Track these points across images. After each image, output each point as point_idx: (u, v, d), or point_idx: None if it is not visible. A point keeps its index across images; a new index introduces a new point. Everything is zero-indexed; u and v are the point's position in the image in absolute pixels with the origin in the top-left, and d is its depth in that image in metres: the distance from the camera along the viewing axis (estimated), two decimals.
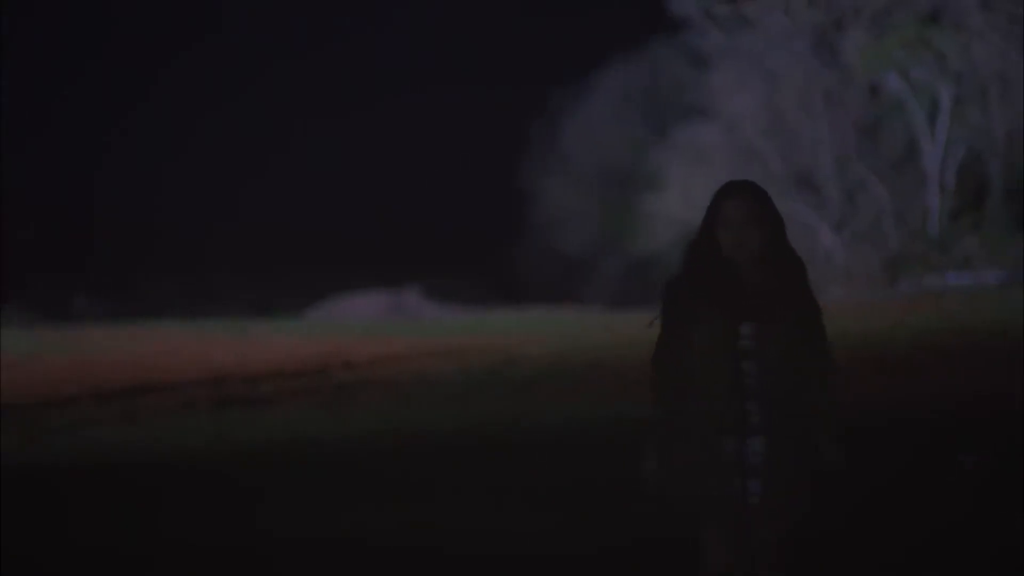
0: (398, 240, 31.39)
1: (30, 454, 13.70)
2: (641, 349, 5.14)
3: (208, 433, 14.92)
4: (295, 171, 33.15)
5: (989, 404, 13.03)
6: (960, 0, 33.36)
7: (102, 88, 33.24)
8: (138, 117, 33.37)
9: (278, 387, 18.83)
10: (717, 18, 34.67)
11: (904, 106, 34.19)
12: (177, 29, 33.88)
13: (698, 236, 4.89)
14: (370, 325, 26.60)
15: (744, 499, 4.79)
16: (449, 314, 29.29)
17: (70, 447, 14.30)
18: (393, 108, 33.75)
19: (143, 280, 27.89)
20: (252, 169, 32.55)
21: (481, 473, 10.98)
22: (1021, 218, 31.62)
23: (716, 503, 4.81)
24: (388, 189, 33.23)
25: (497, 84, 32.92)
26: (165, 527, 9.27)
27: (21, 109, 31.96)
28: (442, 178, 32.83)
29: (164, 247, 30.65)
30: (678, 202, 28.87)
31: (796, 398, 4.84)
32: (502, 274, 30.83)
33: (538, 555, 7.64)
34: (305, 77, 33.58)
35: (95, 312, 25.79)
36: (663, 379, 4.88)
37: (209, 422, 15.98)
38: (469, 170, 32.53)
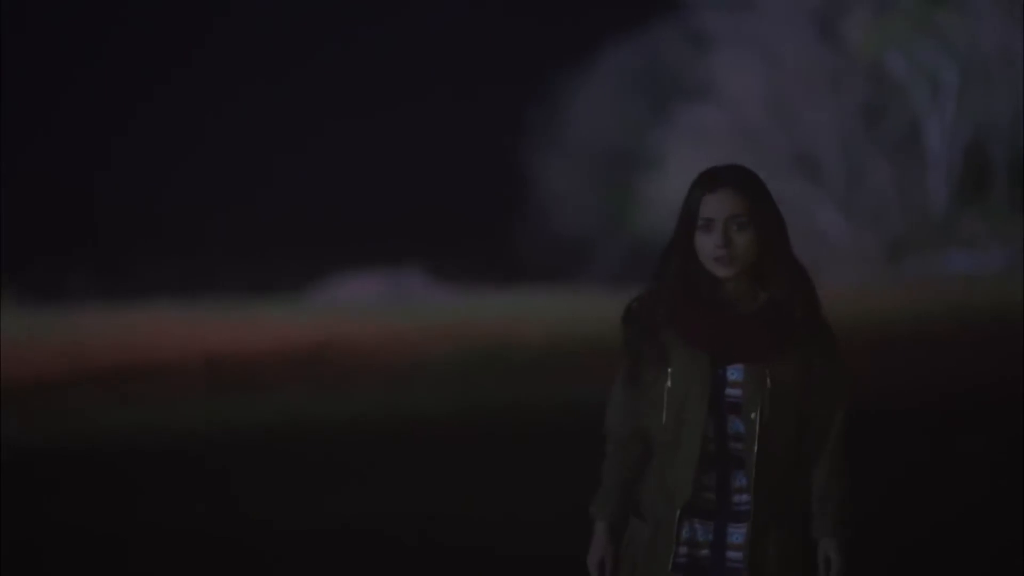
0: (396, 221, 31.28)
1: (25, 438, 13.63)
2: None
3: (202, 417, 14.87)
4: (294, 155, 33.02)
5: (989, 390, 12.98)
6: None
7: (107, 75, 33.14)
8: (140, 104, 33.25)
9: (274, 370, 18.76)
10: None
11: (908, 87, 34.07)
12: (180, 27, 33.75)
13: (671, 242, 3.65)
14: (367, 307, 26.54)
15: None
16: (447, 296, 29.19)
17: (65, 431, 14.25)
18: (387, 86, 33.61)
19: (138, 260, 27.77)
20: (251, 156, 32.42)
21: (476, 461, 10.93)
22: None
23: None
24: (385, 170, 33.11)
25: (495, 64, 32.77)
26: (152, 513, 9.21)
27: (29, 91, 31.89)
28: (439, 159, 32.70)
29: (159, 227, 30.56)
30: (679, 183, 28.44)
31: (794, 475, 3.59)
32: (500, 255, 30.72)
33: (535, 549, 7.55)
34: (301, 65, 33.45)
35: (89, 292, 25.66)
36: (622, 438, 3.66)
37: (204, 406, 15.93)
38: (465, 151, 32.40)
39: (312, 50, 33.28)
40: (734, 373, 3.54)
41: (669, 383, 3.56)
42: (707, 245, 3.56)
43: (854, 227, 33.28)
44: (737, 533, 3.55)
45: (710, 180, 3.62)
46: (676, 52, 34.88)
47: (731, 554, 3.56)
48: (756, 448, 3.52)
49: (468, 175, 32.29)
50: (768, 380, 3.52)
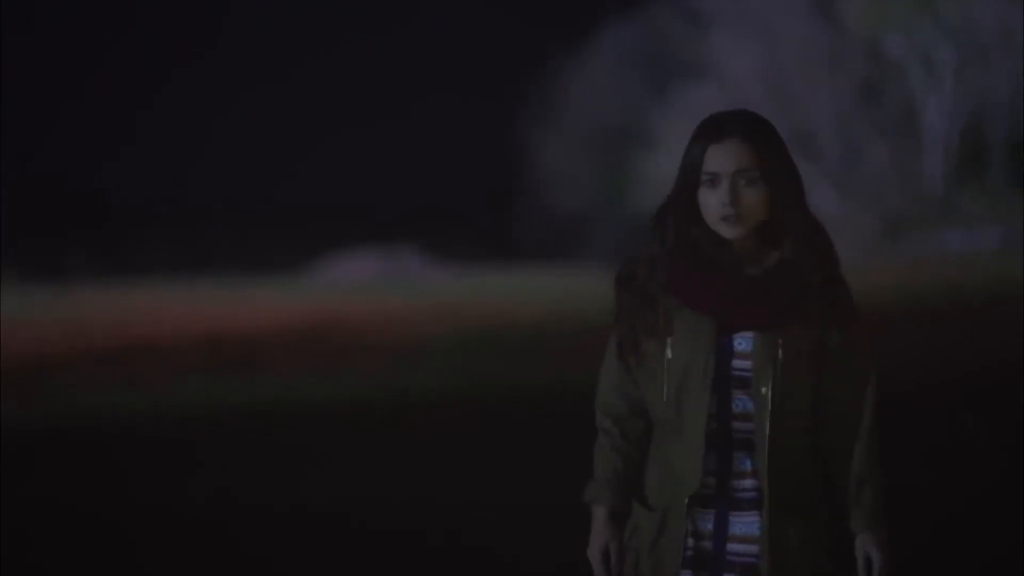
0: (393, 201, 31.22)
1: (23, 417, 13.62)
2: None
3: (201, 397, 14.86)
4: (292, 137, 32.96)
5: (987, 369, 12.95)
6: None
7: (110, 59, 33.08)
8: (143, 88, 33.21)
9: (274, 350, 18.76)
10: None
11: (905, 66, 34.02)
12: (183, 21, 33.67)
13: (670, 200, 3.21)
14: (365, 287, 26.53)
15: None
16: (445, 275, 29.16)
17: (63, 409, 14.23)
18: (384, 67, 33.52)
19: (137, 240, 27.74)
20: (249, 137, 32.35)
21: (474, 441, 10.91)
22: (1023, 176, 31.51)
23: None
24: (382, 149, 33.03)
25: (493, 44, 32.67)
26: (150, 493, 9.21)
27: (31, 73, 31.83)
28: (435, 138, 32.63)
29: (158, 207, 30.53)
30: (676, 162, 28.35)
31: (809, 458, 3.17)
32: (498, 235, 30.67)
33: (532, 533, 7.53)
34: (298, 51, 33.39)
35: (89, 272, 25.63)
36: (620, 416, 3.25)
37: (205, 385, 15.92)
38: (463, 130, 32.32)
39: (308, 35, 33.22)
40: (742, 343, 3.12)
41: (670, 354, 3.14)
42: (712, 203, 3.13)
43: (851, 206, 33.26)
44: (740, 523, 3.14)
45: (715, 129, 3.18)
46: (674, 31, 34.82)
47: (733, 546, 3.14)
48: (768, 427, 3.09)
49: (465, 154, 32.24)
50: (781, 350, 3.10)
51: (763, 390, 3.09)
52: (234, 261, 27.20)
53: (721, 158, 3.14)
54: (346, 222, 29.89)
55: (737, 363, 3.13)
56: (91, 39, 32.59)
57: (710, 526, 3.15)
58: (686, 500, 3.12)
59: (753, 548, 3.12)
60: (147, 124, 32.57)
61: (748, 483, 3.13)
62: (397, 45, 33.95)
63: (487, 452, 10.25)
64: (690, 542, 3.15)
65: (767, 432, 3.09)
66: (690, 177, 3.18)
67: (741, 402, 3.13)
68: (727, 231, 3.13)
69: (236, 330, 20.12)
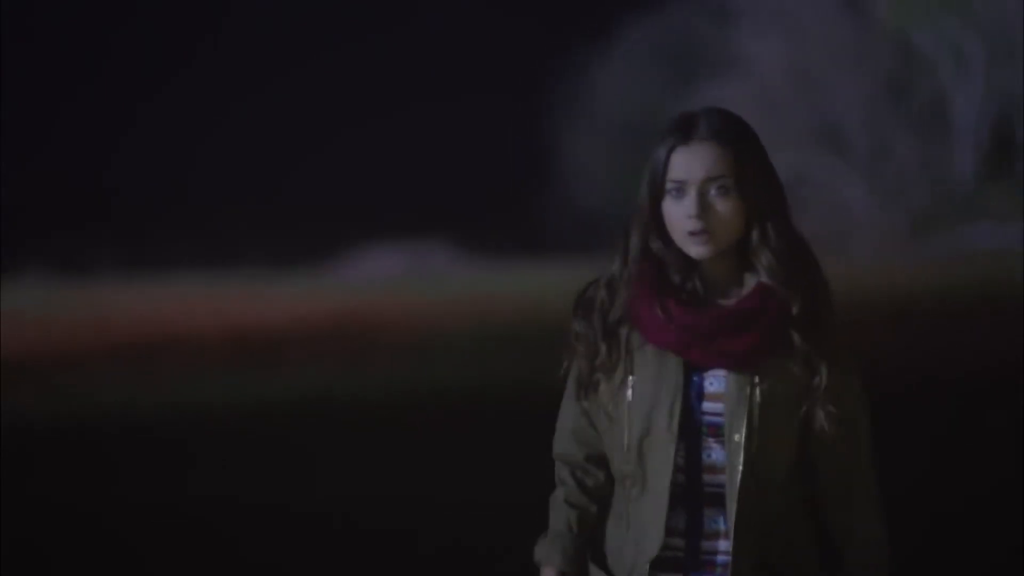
0: (419, 194, 31.22)
1: (43, 414, 13.63)
2: None
3: (225, 393, 14.87)
4: (317, 129, 33.00)
5: (1014, 365, 12.88)
6: None
7: (133, 49, 33.13)
8: (164, 78, 33.26)
9: (296, 346, 18.75)
10: None
11: (934, 61, 33.88)
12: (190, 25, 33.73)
13: (634, 213, 2.83)
14: (389, 281, 26.56)
15: None
16: (471, 270, 29.17)
17: (85, 407, 14.24)
18: (410, 60, 33.51)
19: (160, 233, 27.79)
20: (274, 128, 32.38)
21: (490, 440, 10.87)
22: None
23: None
24: (408, 143, 33.03)
25: (520, 38, 32.63)
26: (166, 491, 9.20)
27: (47, 64, 31.89)
28: (462, 132, 32.62)
29: (182, 200, 30.59)
30: None
31: (790, 515, 2.73)
32: (524, 230, 30.64)
33: (529, 538, 7.47)
34: (323, 45, 33.41)
35: (111, 266, 25.70)
36: (576, 463, 2.93)
37: (227, 381, 15.93)
38: (489, 124, 32.29)
39: (332, 27, 33.21)
40: (713, 383, 2.74)
41: (631, 395, 2.79)
42: (677, 216, 2.73)
43: (879, 201, 33.13)
44: None
45: (682, 130, 2.81)
46: (700, 25, 34.73)
47: None
48: (740, 480, 2.68)
49: (491, 150, 32.20)
50: (757, 392, 2.69)
51: (736, 437, 2.70)
52: (258, 255, 27.21)
53: (688, 163, 2.75)
54: (370, 218, 29.89)
55: (708, 406, 2.75)
56: (91, 39, 32.61)
57: None
58: (647, 566, 2.75)
59: None
60: (171, 117, 32.61)
61: (722, 545, 2.74)
62: (424, 38, 33.93)
63: (507, 451, 10.20)
64: None
65: (737, 485, 2.69)
66: (654, 185, 2.79)
67: (712, 451, 2.75)
68: (695, 250, 2.74)
69: (260, 327, 20.12)
